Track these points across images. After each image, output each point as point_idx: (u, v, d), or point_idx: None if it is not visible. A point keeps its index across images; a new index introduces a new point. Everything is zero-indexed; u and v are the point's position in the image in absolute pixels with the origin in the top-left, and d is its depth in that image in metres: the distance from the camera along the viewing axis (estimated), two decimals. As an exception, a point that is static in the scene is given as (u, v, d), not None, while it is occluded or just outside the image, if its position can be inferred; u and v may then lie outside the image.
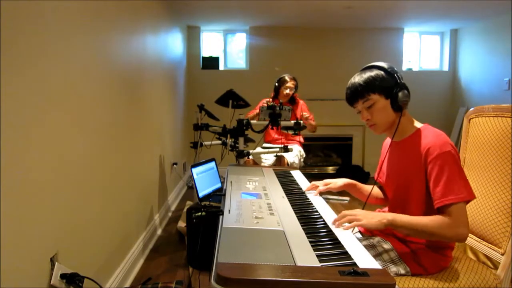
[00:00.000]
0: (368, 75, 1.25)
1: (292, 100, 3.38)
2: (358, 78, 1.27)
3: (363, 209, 1.37)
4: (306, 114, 3.12)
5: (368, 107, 1.27)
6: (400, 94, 1.23)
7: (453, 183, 1.13)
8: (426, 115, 4.88)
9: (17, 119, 1.15)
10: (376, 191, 1.57)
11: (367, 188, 1.58)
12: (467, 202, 1.16)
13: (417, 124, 1.31)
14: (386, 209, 1.44)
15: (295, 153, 3.25)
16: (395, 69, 1.27)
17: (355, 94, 1.28)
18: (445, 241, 1.25)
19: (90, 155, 1.69)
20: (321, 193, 1.58)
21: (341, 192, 1.65)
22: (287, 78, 3.31)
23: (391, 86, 1.24)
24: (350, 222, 1.15)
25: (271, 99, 3.30)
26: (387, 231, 1.33)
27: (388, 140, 1.44)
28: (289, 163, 3.11)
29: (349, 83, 1.30)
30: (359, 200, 1.61)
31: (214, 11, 4.19)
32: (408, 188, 1.27)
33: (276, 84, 3.36)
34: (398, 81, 1.24)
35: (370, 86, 1.25)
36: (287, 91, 3.28)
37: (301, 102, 3.45)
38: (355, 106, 1.31)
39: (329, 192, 1.64)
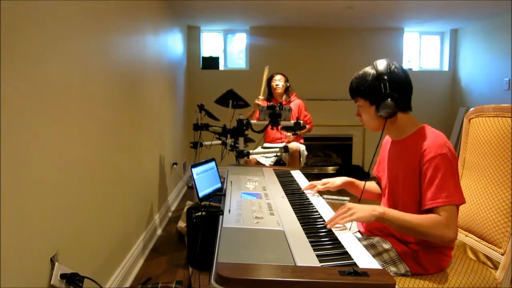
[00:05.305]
0: (360, 77, 1.26)
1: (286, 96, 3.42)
2: (355, 76, 1.28)
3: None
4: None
5: (359, 107, 1.30)
6: (383, 104, 1.19)
7: (445, 186, 1.13)
8: (426, 115, 4.89)
9: (17, 119, 1.15)
10: (373, 186, 1.58)
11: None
12: (458, 206, 1.16)
13: (417, 125, 1.29)
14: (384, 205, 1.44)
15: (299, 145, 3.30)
16: (394, 71, 1.21)
17: (349, 93, 1.31)
18: (433, 241, 1.22)
19: (90, 155, 1.69)
20: (320, 193, 1.59)
21: (341, 191, 1.65)
22: (274, 74, 3.48)
23: (376, 93, 1.21)
24: (343, 219, 1.14)
25: (263, 98, 3.34)
26: (386, 231, 1.33)
27: (389, 137, 1.44)
28: (300, 151, 3.17)
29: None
30: (358, 198, 1.61)
31: (214, 11, 4.19)
32: (402, 187, 1.28)
33: (266, 83, 3.48)
34: (383, 90, 1.19)
35: (357, 90, 1.26)
36: (276, 83, 3.41)
37: (298, 101, 3.45)
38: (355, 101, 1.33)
39: (328, 192, 1.64)
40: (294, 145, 3.17)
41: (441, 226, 1.11)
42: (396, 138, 1.33)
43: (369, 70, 1.26)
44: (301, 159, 3.25)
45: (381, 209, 1.15)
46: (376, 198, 1.56)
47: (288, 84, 3.44)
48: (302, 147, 3.26)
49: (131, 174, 2.34)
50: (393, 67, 1.22)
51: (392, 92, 1.19)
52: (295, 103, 3.43)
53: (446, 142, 1.18)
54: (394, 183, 1.32)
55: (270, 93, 3.49)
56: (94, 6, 1.76)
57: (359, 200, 1.39)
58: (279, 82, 3.40)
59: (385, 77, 1.20)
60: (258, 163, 3.19)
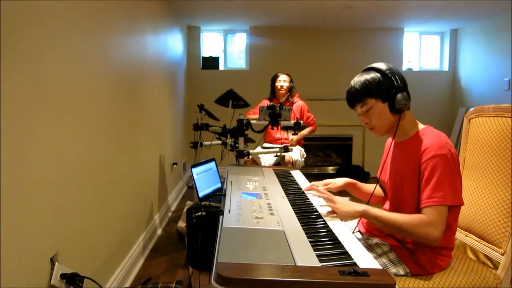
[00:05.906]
0: (365, 78, 1.25)
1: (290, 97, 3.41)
2: (355, 82, 1.27)
3: None
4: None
5: (366, 111, 1.28)
6: (397, 97, 1.22)
7: (440, 186, 1.13)
8: (426, 115, 4.90)
9: (18, 119, 1.15)
10: (376, 189, 1.57)
11: (367, 187, 1.58)
12: (452, 207, 1.17)
13: (419, 126, 1.30)
14: (387, 207, 1.43)
15: (298, 152, 3.26)
16: (395, 70, 1.25)
17: (353, 99, 1.29)
18: (421, 240, 1.20)
19: (90, 155, 1.69)
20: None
21: (341, 192, 1.65)
22: (279, 73, 3.43)
23: (388, 89, 1.22)
24: (327, 201, 1.29)
25: (268, 100, 3.32)
26: (386, 232, 1.33)
27: (391, 139, 1.44)
28: (293, 161, 3.10)
29: (349, 85, 1.30)
30: (359, 199, 1.60)
31: (214, 11, 4.19)
32: (404, 188, 1.28)
33: (271, 82, 3.45)
34: (395, 83, 1.22)
35: (366, 91, 1.25)
36: (281, 83, 3.37)
37: (301, 103, 3.44)
38: (355, 109, 1.31)
39: (328, 192, 1.63)
40: (287, 156, 3.09)
41: (425, 225, 1.12)
42: (399, 139, 1.33)
43: (369, 71, 1.26)
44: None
45: (365, 206, 1.22)
46: (379, 202, 1.56)
47: (292, 84, 3.42)
48: (295, 157, 3.16)
49: (131, 174, 2.34)
50: (391, 66, 1.26)
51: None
52: (298, 104, 3.41)
53: (447, 143, 1.18)
54: (397, 184, 1.32)
55: (273, 93, 3.47)
56: (94, 6, 1.76)
57: (366, 203, 1.39)
58: (283, 83, 3.37)
59: (392, 73, 1.23)
60: (256, 163, 3.18)
